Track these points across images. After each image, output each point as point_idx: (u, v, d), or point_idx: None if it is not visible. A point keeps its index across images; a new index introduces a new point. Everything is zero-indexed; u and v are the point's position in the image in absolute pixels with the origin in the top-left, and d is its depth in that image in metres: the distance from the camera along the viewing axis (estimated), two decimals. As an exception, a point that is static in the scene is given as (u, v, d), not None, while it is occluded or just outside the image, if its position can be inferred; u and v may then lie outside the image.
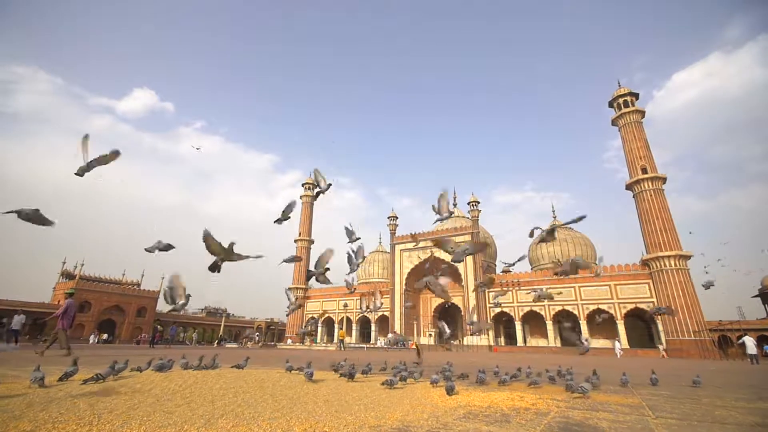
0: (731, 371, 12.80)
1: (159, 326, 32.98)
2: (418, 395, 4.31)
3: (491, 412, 3.46)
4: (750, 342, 19.75)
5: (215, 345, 42.86)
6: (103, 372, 4.52)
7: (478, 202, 46.85)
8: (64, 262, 49.34)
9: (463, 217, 55.18)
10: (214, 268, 4.90)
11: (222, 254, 4.94)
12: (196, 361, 6.52)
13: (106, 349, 21.10)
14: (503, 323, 45.07)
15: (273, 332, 57.67)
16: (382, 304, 19.08)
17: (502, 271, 55.62)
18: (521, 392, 4.81)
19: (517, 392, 4.79)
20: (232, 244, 4.90)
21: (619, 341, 32.50)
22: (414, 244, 48.38)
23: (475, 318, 40.42)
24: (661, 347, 31.55)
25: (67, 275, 49.12)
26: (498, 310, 41.93)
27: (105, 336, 45.37)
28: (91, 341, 42.19)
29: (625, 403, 4.24)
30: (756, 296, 48.27)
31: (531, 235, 7.78)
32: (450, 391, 4.26)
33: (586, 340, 31.37)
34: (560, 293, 37.68)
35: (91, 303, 47.25)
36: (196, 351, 19.38)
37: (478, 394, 4.56)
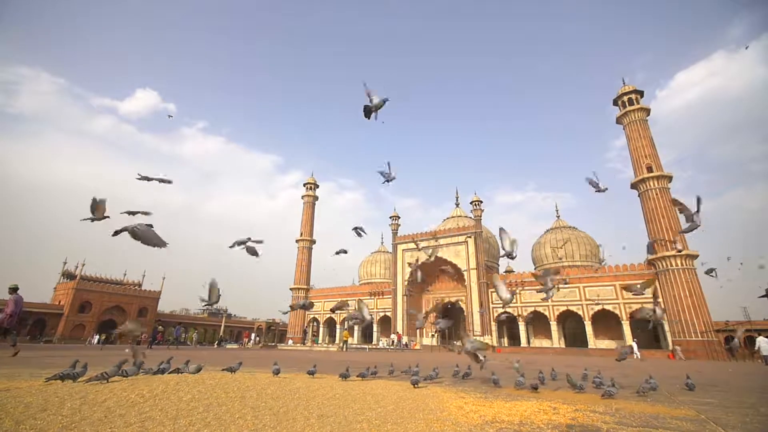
0: (752, 374, 12.24)
1: (160, 327, 32.59)
2: (433, 406, 3.73)
3: (527, 430, 2.93)
4: (764, 343, 19.17)
5: (215, 345, 42.42)
6: (110, 371, 4.21)
7: (481, 202, 46.28)
8: (65, 262, 49.06)
9: (466, 216, 54.66)
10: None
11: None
12: (179, 364, 5.96)
13: (104, 350, 20.66)
14: (507, 323, 44.51)
15: (274, 333, 57.22)
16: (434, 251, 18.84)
17: (506, 271, 55.18)
18: (550, 401, 4.22)
19: (547, 401, 4.20)
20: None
21: (636, 343, 31.79)
22: (416, 244, 47.90)
23: (477, 322, 39.99)
24: (678, 348, 30.66)
25: (68, 275, 48.82)
26: (501, 310, 41.36)
27: (105, 336, 44.94)
28: (93, 341, 41.87)
29: (680, 416, 3.71)
30: (763, 296, 47.71)
31: (593, 186, 7.55)
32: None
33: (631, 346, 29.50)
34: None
35: (91, 303, 46.91)
36: (194, 352, 18.91)
37: (501, 404, 3.98)
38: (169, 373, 5.41)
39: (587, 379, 6.19)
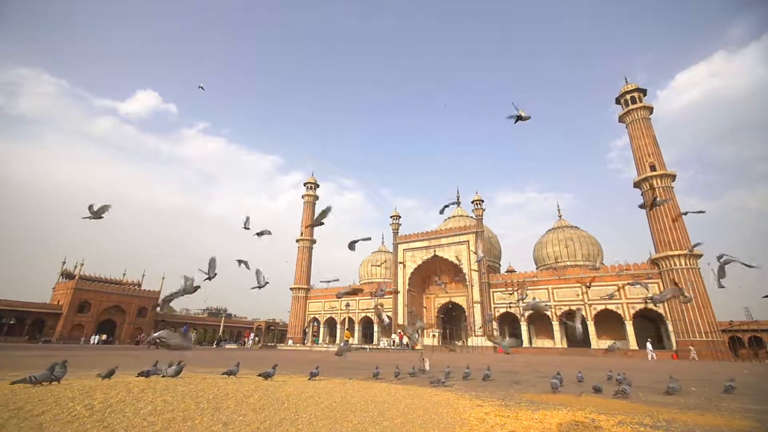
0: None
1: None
2: (449, 418, 3.16)
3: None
4: None
5: (215, 346, 42.16)
6: (38, 375, 3.80)
7: (482, 201, 45.89)
8: (64, 262, 48.86)
9: (467, 216, 54.32)
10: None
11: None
12: (158, 366, 5.42)
13: (100, 350, 20.35)
14: (508, 324, 44.19)
15: (274, 333, 56.94)
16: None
17: (507, 271, 54.83)
18: (583, 409, 3.64)
19: (580, 410, 3.60)
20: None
21: (651, 343, 31.40)
22: (417, 243, 47.68)
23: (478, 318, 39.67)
24: (692, 348, 30.14)
25: (67, 275, 48.63)
26: (504, 310, 41.04)
27: (104, 336, 44.76)
28: (92, 341, 41.70)
29: (744, 429, 3.21)
30: (767, 296, 47.40)
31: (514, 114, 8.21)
32: None
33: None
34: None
35: (90, 303, 46.66)
36: (189, 353, 18.56)
37: (527, 414, 3.40)
38: (152, 375, 4.91)
39: (623, 383, 5.63)
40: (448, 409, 3.57)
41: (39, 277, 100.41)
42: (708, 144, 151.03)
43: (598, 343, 36.41)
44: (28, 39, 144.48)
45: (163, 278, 53.70)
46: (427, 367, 7.01)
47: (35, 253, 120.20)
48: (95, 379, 4.41)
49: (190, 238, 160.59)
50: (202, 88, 35.18)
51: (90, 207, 6.64)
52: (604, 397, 4.81)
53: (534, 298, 37.94)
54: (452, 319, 46.82)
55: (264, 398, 3.59)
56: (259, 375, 5.43)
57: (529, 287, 40.59)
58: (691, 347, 30.13)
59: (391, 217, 52.05)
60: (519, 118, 7.27)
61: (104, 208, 6.71)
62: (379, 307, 46.61)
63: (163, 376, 4.71)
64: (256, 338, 49.30)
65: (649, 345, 30.64)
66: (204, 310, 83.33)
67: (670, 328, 32.93)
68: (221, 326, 57.81)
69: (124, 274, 53.30)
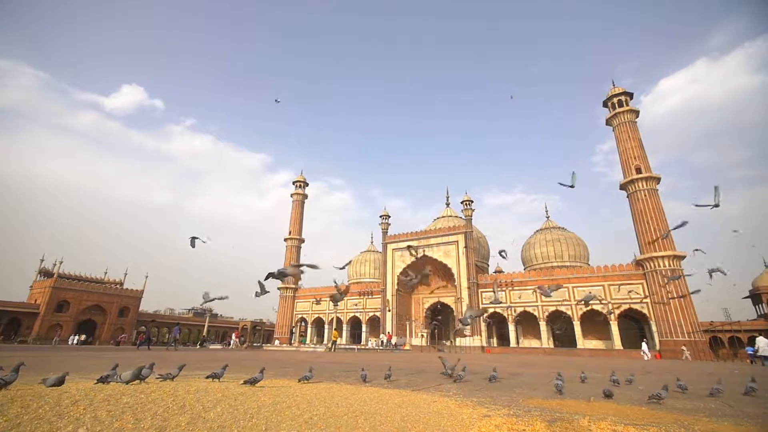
0: (762, 375, 11.76)
1: (142, 327, 31.51)
2: None
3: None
4: (763, 343, 18.64)
5: (198, 346, 41.18)
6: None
7: (472, 201, 45.95)
8: (42, 260, 47.39)
9: (456, 216, 54.41)
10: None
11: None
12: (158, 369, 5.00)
13: (74, 351, 19.47)
14: (496, 324, 44.36)
15: (260, 333, 56.08)
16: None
17: (495, 271, 55.13)
18: (603, 418, 3.20)
19: (600, 419, 3.16)
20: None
21: (646, 343, 31.87)
22: (406, 243, 47.51)
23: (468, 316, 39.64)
24: (684, 348, 30.43)
25: (45, 273, 47.16)
26: (491, 310, 41.15)
27: (83, 337, 43.37)
28: (71, 342, 40.37)
29: None
30: (747, 297, 48.66)
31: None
32: None
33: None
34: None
35: (69, 302, 45.26)
36: (169, 354, 18.04)
37: (542, 426, 2.93)
38: (111, 382, 4.31)
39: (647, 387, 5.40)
40: (451, 421, 3.07)
41: (16, 275, 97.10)
42: (689, 149, 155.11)
43: (583, 343, 36.78)
44: (8, 30, 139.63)
45: (146, 277, 52.44)
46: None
47: (12, 250, 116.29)
48: (34, 386, 3.79)
49: (175, 235, 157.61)
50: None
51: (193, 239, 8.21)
52: (617, 402, 4.46)
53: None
54: (440, 320, 46.77)
55: (228, 412, 2.89)
56: (244, 383, 4.80)
57: (516, 287, 40.85)
58: (684, 347, 30.45)
59: (380, 216, 51.73)
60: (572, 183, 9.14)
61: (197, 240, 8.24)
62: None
63: (126, 382, 4.19)
64: (242, 338, 48.44)
65: (644, 345, 31.18)
66: (189, 309, 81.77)
67: (654, 328, 33.43)
68: (206, 326, 56.64)
69: (106, 273, 51.95)
